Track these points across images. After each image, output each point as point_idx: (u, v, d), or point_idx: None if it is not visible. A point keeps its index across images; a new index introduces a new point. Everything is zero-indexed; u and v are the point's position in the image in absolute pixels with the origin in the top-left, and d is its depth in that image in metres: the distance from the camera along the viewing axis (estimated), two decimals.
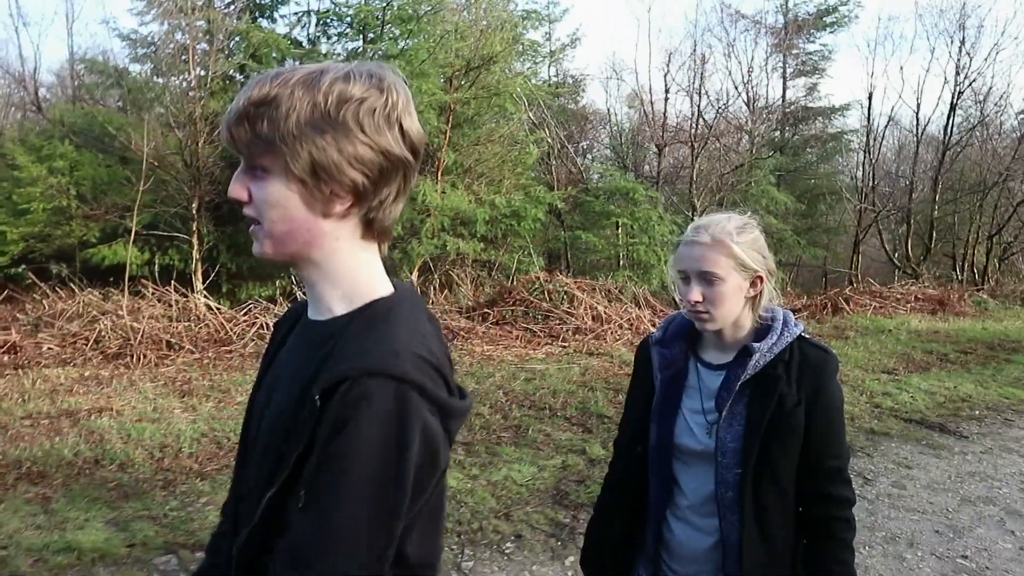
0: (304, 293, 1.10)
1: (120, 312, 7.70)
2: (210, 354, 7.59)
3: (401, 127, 0.96)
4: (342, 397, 0.86)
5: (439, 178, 10.13)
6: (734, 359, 1.61)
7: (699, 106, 14.01)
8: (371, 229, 1.01)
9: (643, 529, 1.72)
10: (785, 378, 1.55)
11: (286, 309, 1.23)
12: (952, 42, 15.98)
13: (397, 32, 9.30)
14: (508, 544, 3.78)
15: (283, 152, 0.92)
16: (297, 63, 10.83)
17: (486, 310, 9.26)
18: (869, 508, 4.49)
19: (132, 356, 7.28)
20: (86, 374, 6.93)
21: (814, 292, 14.22)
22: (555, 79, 16.56)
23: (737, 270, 1.58)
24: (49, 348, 7.33)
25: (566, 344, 8.79)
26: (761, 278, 1.61)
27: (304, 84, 0.92)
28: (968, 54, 15.81)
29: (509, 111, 10.28)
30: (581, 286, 10.04)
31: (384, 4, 9.82)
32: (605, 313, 9.64)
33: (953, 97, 15.76)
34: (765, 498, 1.56)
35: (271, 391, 1.05)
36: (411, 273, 10.30)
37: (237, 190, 0.97)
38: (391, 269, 1.08)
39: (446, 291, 10.30)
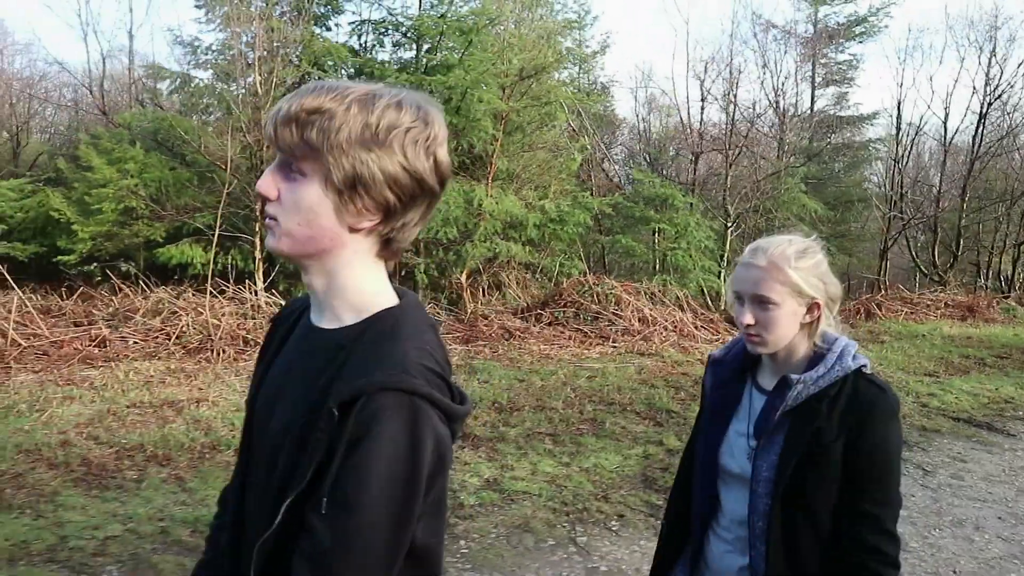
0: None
1: (201, 309, 8.13)
2: None
3: (436, 158, 1.03)
4: (360, 411, 0.91)
5: (490, 183, 10.51)
6: (774, 388, 1.60)
7: (733, 115, 14.34)
8: (388, 248, 1.07)
9: (685, 540, 1.75)
10: (826, 413, 1.50)
11: (283, 304, 1.21)
12: (982, 52, 16.21)
13: (453, 44, 9.68)
14: (613, 522, 4.15)
15: (327, 161, 0.97)
16: (352, 72, 11.23)
17: (539, 311, 9.64)
18: (933, 496, 4.84)
19: (212, 351, 7.70)
20: (172, 367, 7.35)
21: (847, 298, 14.50)
22: (587, 86, 16.92)
23: (792, 295, 1.54)
24: (134, 342, 7.76)
25: (616, 345, 9.16)
26: (819, 304, 1.57)
27: (359, 103, 0.98)
28: (999, 65, 16.09)
29: (559, 119, 10.65)
30: (627, 289, 10.40)
31: (440, 15, 10.22)
32: (651, 315, 9.99)
33: (982, 107, 16.06)
34: (796, 534, 1.51)
35: (278, 392, 1.09)
36: (461, 275, 10.68)
37: (267, 187, 1.01)
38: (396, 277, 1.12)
39: (497, 292, 10.68)
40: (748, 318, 1.56)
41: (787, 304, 1.54)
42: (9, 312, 7.45)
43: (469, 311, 9.69)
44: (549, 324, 9.42)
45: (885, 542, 1.48)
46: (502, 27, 10.26)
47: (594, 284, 10.18)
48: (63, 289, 9.33)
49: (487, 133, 9.76)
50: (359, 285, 1.05)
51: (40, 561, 3.57)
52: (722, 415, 1.68)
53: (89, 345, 7.48)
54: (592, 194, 12.47)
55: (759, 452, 1.56)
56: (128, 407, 6.07)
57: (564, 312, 9.68)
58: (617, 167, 15.54)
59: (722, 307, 11.87)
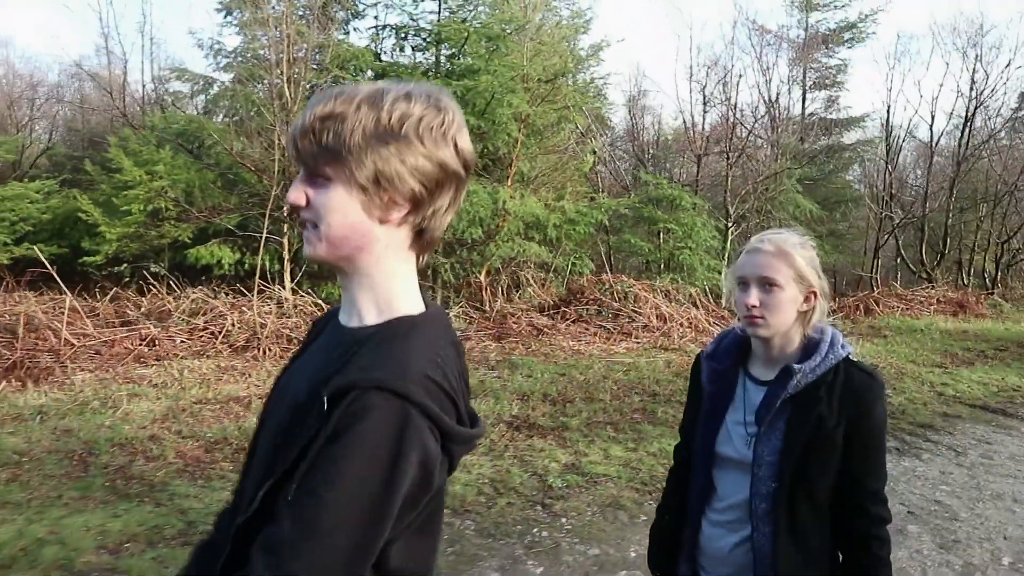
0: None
1: (246, 308, 8.33)
2: None
3: (456, 144, 1.04)
4: (347, 405, 0.90)
5: (509, 185, 10.81)
6: (776, 378, 1.67)
7: (733, 118, 14.81)
8: (421, 238, 1.07)
9: (684, 530, 1.82)
10: (826, 399, 1.60)
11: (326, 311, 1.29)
12: (966, 57, 16.89)
13: (477, 49, 9.98)
14: None
15: (348, 162, 0.99)
16: (372, 76, 11.45)
17: (564, 309, 9.98)
18: (969, 473, 5.26)
19: (259, 349, 7.91)
20: (222, 364, 7.56)
21: (846, 295, 15.05)
22: (587, 89, 17.28)
23: (795, 281, 1.64)
24: (181, 341, 7.94)
25: (639, 340, 9.53)
26: (815, 293, 1.67)
27: (368, 102, 0.99)
28: (984, 70, 16.79)
29: (577, 122, 11.00)
30: (644, 287, 10.78)
31: (463, 19, 10.51)
32: (668, 312, 10.38)
33: (967, 111, 16.73)
34: (799, 512, 1.62)
35: (287, 387, 1.10)
36: (480, 275, 10.97)
37: (296, 196, 1.03)
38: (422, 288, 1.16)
39: (520, 291, 10.99)
40: (754, 299, 1.64)
41: (790, 289, 1.63)
42: (62, 312, 7.59)
43: (495, 309, 9.99)
44: (574, 321, 9.76)
45: (884, 509, 1.64)
46: (524, 33, 10.55)
47: (614, 282, 10.55)
48: (96, 290, 9.43)
49: (511, 136, 10.07)
50: (387, 283, 1.06)
51: (176, 544, 3.82)
52: (718, 406, 1.74)
53: (139, 344, 7.65)
54: (607, 195, 12.81)
55: (760, 438, 1.64)
56: (195, 403, 6.29)
57: (587, 310, 10.02)
58: (623, 168, 15.91)
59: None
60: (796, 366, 1.62)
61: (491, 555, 3.73)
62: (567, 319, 9.81)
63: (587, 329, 9.67)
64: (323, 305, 9.15)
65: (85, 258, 10.53)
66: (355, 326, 1.06)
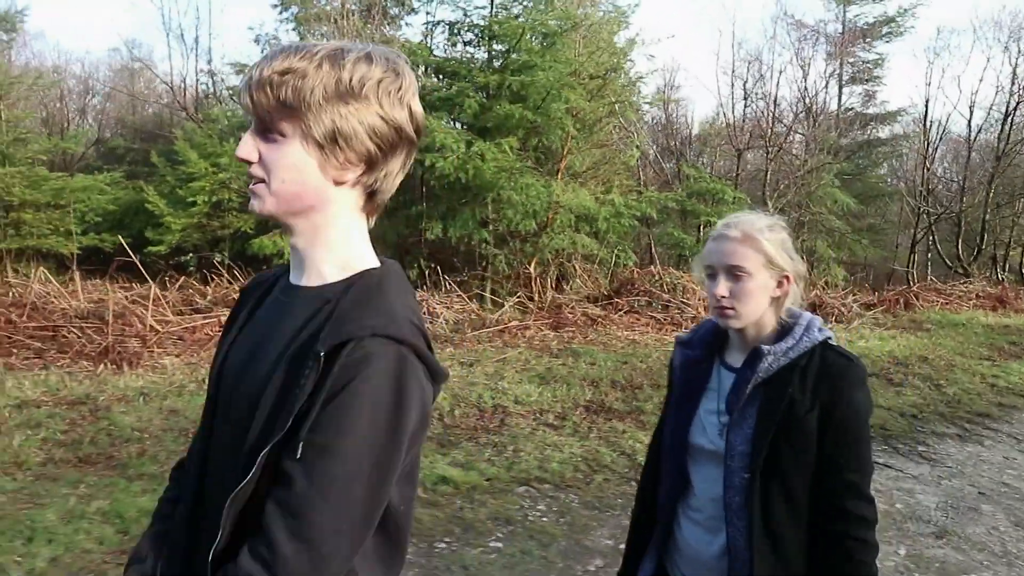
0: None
1: None
2: None
3: (411, 108, 1.04)
4: (348, 356, 0.91)
5: (559, 178, 11.07)
6: (745, 361, 1.60)
7: (772, 112, 14.94)
8: (372, 200, 1.08)
9: (653, 526, 1.74)
10: (798, 384, 1.51)
11: (252, 278, 1.30)
12: (1007, 51, 16.86)
13: (533, 46, 10.22)
14: None
15: (306, 118, 0.98)
16: (424, 68, 11.74)
17: (615, 299, 10.24)
18: None
19: None
20: None
21: (885, 289, 15.18)
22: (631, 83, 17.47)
23: (765, 267, 1.57)
24: None
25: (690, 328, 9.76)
26: (788, 278, 1.60)
27: (329, 60, 0.98)
28: None
29: (628, 117, 11.25)
30: (691, 279, 11.00)
31: (514, 15, 10.76)
32: None
33: (1008, 106, 16.74)
34: (774, 506, 1.51)
35: (252, 353, 1.07)
36: (529, 265, 11.25)
37: (247, 151, 1.01)
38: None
39: (569, 282, 11.27)
40: (722, 289, 1.57)
41: (760, 275, 1.56)
42: (147, 301, 7.96)
43: (548, 300, 10.27)
44: (627, 312, 10.02)
45: (864, 507, 1.50)
46: (577, 30, 10.78)
47: (662, 274, 10.79)
48: (164, 279, 9.82)
49: (563, 131, 10.33)
50: (345, 241, 1.06)
51: None
52: (691, 395, 1.68)
53: (218, 330, 8.00)
54: (649, 189, 13.03)
55: (732, 427, 1.56)
56: None
57: (638, 300, 10.28)
58: (663, 162, 16.11)
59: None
60: (765, 347, 1.55)
61: (600, 525, 4.02)
62: (619, 309, 10.07)
63: (639, 319, 9.93)
64: None
65: (150, 248, 10.93)
66: (316, 284, 1.05)
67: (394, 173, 1.07)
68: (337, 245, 1.06)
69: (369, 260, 1.08)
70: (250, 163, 1.02)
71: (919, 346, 9.70)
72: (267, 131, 1.01)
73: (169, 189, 10.98)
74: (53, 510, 3.98)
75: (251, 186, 1.04)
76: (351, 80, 0.98)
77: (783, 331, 1.60)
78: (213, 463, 1.08)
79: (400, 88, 1.02)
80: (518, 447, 5.11)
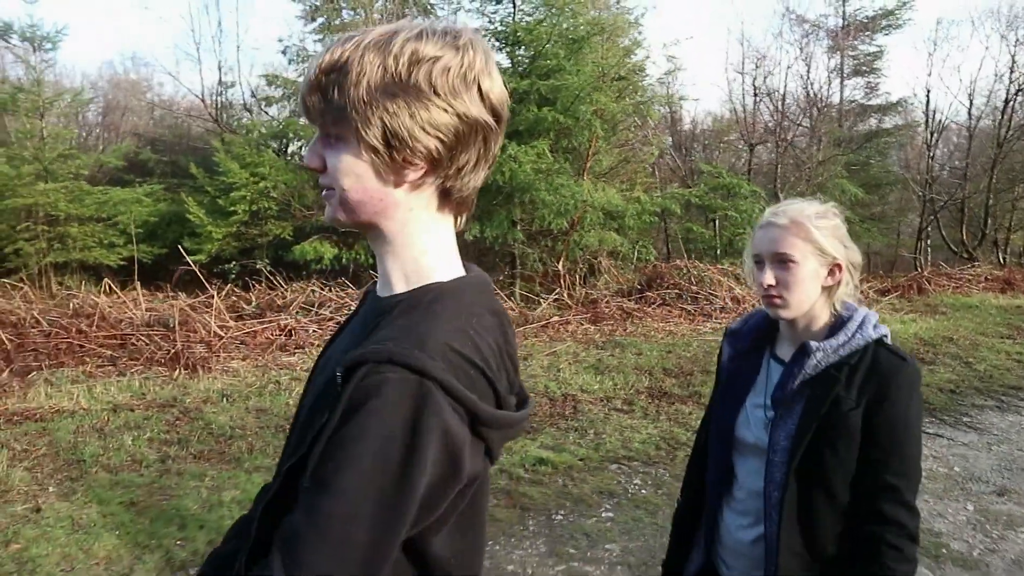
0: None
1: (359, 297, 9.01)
2: None
3: (480, 88, 0.91)
4: (358, 381, 0.81)
5: (585, 176, 11.46)
6: (793, 356, 1.56)
7: (781, 107, 15.36)
8: (448, 199, 0.96)
9: (700, 517, 1.74)
10: (845, 381, 1.47)
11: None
12: (1004, 40, 17.36)
13: (559, 50, 10.60)
14: None
15: (354, 120, 0.88)
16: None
17: (647, 293, 10.62)
18: None
19: None
20: None
21: (897, 275, 15.63)
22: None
23: (814, 254, 1.52)
24: (313, 331, 8.63)
25: (720, 321, 10.16)
26: (840, 266, 1.55)
27: (376, 46, 0.88)
28: None
29: (652, 116, 11.65)
30: (716, 271, 11.40)
31: (538, 21, 11.13)
32: (740, 294, 11.01)
33: (1007, 95, 17.23)
34: (812, 504, 1.49)
35: (325, 363, 1.04)
36: (557, 262, 11.62)
37: (312, 159, 0.94)
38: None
39: (597, 278, 11.64)
40: (769, 278, 1.53)
41: (808, 263, 1.52)
42: (210, 308, 8.29)
43: (581, 295, 10.64)
44: (660, 305, 10.41)
45: (904, 514, 1.44)
46: (604, 34, 11.17)
47: (690, 267, 11.18)
48: (219, 286, 10.13)
49: (591, 132, 10.71)
50: (416, 249, 0.96)
51: None
52: (739, 387, 1.66)
53: (279, 334, 8.34)
54: (665, 185, 13.41)
55: (777, 422, 1.53)
56: None
57: (669, 294, 10.67)
58: (677, 159, 16.53)
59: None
60: (814, 344, 1.51)
61: None
62: (652, 303, 10.45)
63: (671, 311, 10.31)
64: None
65: (190, 257, 11.24)
66: (384, 295, 0.98)
67: (471, 166, 0.94)
68: (404, 253, 0.96)
69: (442, 270, 0.97)
70: (318, 172, 0.95)
71: (941, 328, 10.12)
72: (327, 136, 0.93)
73: (209, 199, 11.30)
74: (190, 500, 4.33)
75: (323, 195, 0.97)
76: (398, 66, 0.87)
77: (836, 326, 1.55)
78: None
79: (463, 66, 0.89)
80: (598, 431, 5.48)
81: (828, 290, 1.56)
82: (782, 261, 1.53)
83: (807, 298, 1.54)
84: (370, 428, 0.80)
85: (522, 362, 7.57)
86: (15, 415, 5.82)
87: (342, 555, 0.80)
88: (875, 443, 1.45)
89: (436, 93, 0.88)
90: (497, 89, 0.93)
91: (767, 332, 1.68)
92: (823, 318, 1.57)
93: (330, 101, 0.89)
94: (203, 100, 12.21)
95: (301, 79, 0.93)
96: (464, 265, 1.02)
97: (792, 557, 1.49)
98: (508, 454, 4.98)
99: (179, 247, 9.73)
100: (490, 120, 0.93)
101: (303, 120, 1.26)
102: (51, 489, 4.43)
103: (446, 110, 0.89)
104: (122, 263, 11.35)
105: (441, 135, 0.90)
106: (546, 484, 4.51)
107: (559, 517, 4.06)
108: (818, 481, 1.48)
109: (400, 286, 0.96)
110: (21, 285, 10.02)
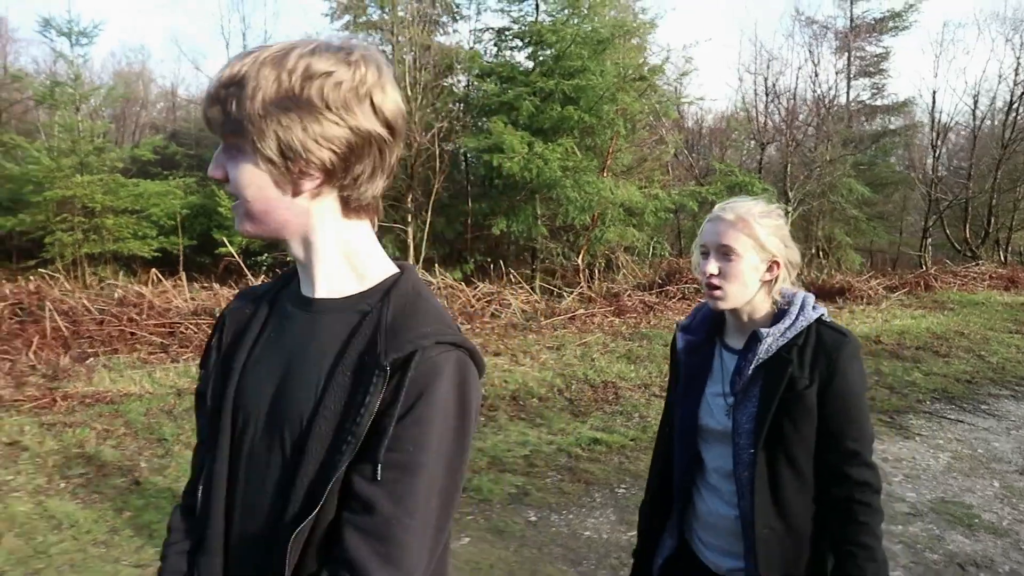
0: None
1: None
2: (474, 326, 9.24)
3: (372, 101, 0.93)
4: (416, 368, 0.88)
5: (605, 174, 11.79)
6: (745, 344, 1.66)
7: (792, 107, 15.70)
8: (349, 207, 0.98)
9: (671, 504, 1.80)
10: (796, 361, 1.58)
11: (237, 296, 1.17)
12: (1007, 43, 17.75)
13: (583, 52, 10.93)
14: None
15: (251, 132, 0.90)
16: (478, 73, 12.39)
17: (666, 287, 10.97)
18: None
19: None
20: None
21: (903, 272, 16.02)
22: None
23: (755, 250, 1.61)
24: None
25: None
26: (778, 263, 1.64)
27: (272, 62, 0.90)
28: None
29: (670, 116, 11.99)
30: None
31: (563, 21, 11.44)
32: None
33: (1012, 96, 17.62)
34: (779, 479, 1.59)
35: (286, 371, 0.99)
36: (579, 258, 11.97)
37: (215, 170, 0.96)
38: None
39: (615, 272, 11.98)
40: (712, 267, 1.63)
41: (749, 257, 1.61)
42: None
43: (604, 289, 10.99)
44: (679, 299, 10.76)
45: (869, 473, 1.57)
46: (628, 36, 11.50)
47: None
48: (238, 278, 10.43)
49: (613, 130, 11.04)
50: (339, 249, 1.00)
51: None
52: (697, 379, 1.74)
53: None
54: (680, 183, 13.76)
55: (736, 407, 1.63)
56: None
57: (687, 288, 11.02)
58: (689, 157, 16.87)
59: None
60: (763, 330, 1.61)
61: None
62: (671, 296, 10.80)
63: (691, 306, 10.66)
64: (454, 284, 10.17)
65: (220, 249, 11.53)
66: (336, 296, 1.00)
67: (367, 175, 0.96)
68: (332, 254, 0.99)
69: (385, 265, 1.03)
70: (222, 182, 0.97)
71: (952, 323, 10.49)
72: (229, 148, 0.95)
73: None
74: None
75: (232, 206, 0.99)
76: (291, 80, 0.89)
77: (779, 313, 1.65)
78: (246, 498, 1.00)
79: (355, 81, 0.91)
80: (642, 414, 5.83)
81: (767, 284, 1.66)
82: (725, 253, 1.62)
83: (744, 290, 1.63)
84: (435, 404, 0.88)
85: (556, 351, 7.91)
86: (86, 397, 6.14)
87: (428, 524, 0.87)
88: (832, 416, 1.57)
89: (328, 107, 0.90)
90: (390, 103, 0.95)
91: (716, 324, 1.76)
92: (764, 309, 1.67)
93: (228, 114, 0.91)
94: None
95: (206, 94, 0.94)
96: (392, 258, 1.07)
97: (768, 531, 1.59)
98: (563, 435, 5.33)
99: (223, 240, 10.00)
100: (383, 132, 0.95)
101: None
102: (143, 464, 4.75)
103: (338, 123, 0.91)
104: (156, 254, 11.63)
105: (334, 147, 0.92)
106: (603, 462, 4.85)
107: (621, 490, 4.40)
108: (783, 457, 1.59)
109: (352, 285, 1.00)
110: (57, 275, 10.31)
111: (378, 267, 1.02)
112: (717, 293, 1.63)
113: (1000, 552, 3.77)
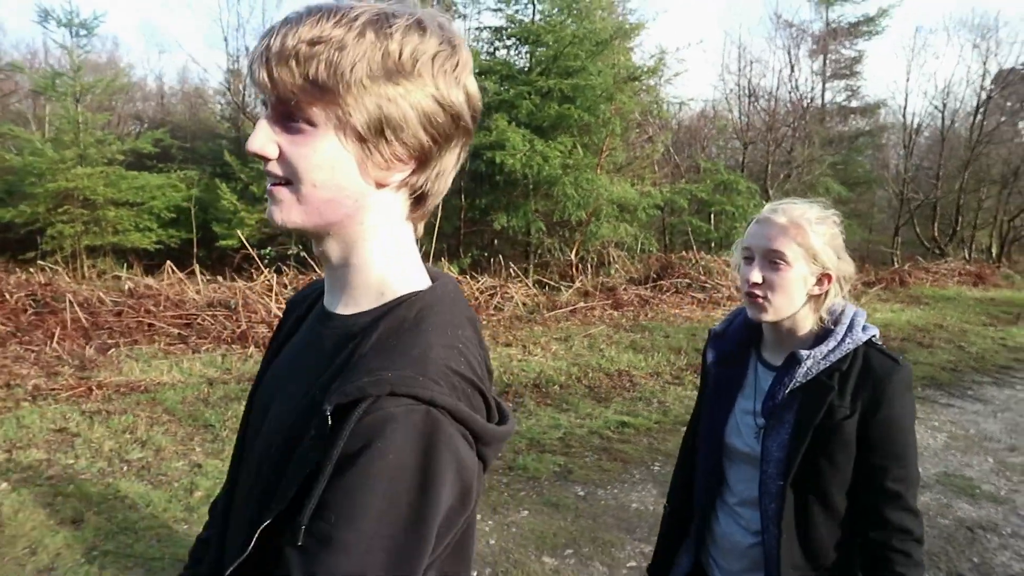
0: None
1: None
2: (480, 318, 9.55)
3: (467, 89, 0.84)
4: (359, 420, 0.71)
5: (599, 171, 12.17)
6: (782, 365, 1.51)
7: (773, 108, 16.25)
8: (420, 206, 0.88)
9: (690, 520, 1.70)
10: (838, 388, 1.44)
11: (305, 285, 1.08)
12: (975, 48, 18.58)
13: (580, 52, 11.26)
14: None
15: (345, 103, 0.77)
16: (476, 72, 12.59)
17: (659, 282, 11.39)
18: None
19: None
20: None
21: (881, 268, 16.71)
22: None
23: (806, 260, 1.47)
24: None
25: (727, 308, 10.98)
26: (829, 276, 1.49)
27: (374, 27, 0.78)
28: (997, 62, 18.48)
29: (664, 116, 12.41)
30: (720, 262, 12.22)
31: (560, 21, 11.77)
32: None
33: (979, 99, 18.44)
34: (809, 516, 1.47)
35: (278, 387, 0.90)
36: (571, 252, 12.33)
37: (265, 144, 0.80)
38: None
39: (605, 268, 12.38)
40: (756, 275, 1.49)
41: (799, 267, 1.47)
42: (270, 292, 8.78)
43: (596, 283, 11.36)
44: (673, 293, 11.18)
45: (909, 519, 1.43)
46: (625, 37, 11.88)
47: (697, 258, 11.99)
48: (250, 271, 10.58)
49: (609, 129, 11.42)
50: (383, 258, 0.86)
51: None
52: (727, 392, 1.62)
53: None
54: (673, 181, 14.21)
55: (768, 432, 1.50)
56: None
57: (680, 283, 11.45)
58: (677, 156, 17.35)
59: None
60: (804, 352, 1.46)
61: None
62: (665, 291, 11.22)
63: (683, 299, 11.10)
64: (459, 278, 10.46)
65: (221, 242, 11.65)
66: (349, 313, 0.87)
67: (447, 171, 0.88)
68: (374, 263, 0.86)
69: (414, 281, 0.88)
70: (267, 160, 0.81)
71: (930, 316, 11.09)
72: (290, 118, 0.80)
73: (242, 186, 11.71)
74: None
75: (270, 187, 0.83)
76: (401, 54, 0.79)
77: (823, 332, 1.50)
78: (234, 510, 0.93)
79: (457, 65, 0.83)
80: (660, 400, 6.20)
81: (814, 299, 1.51)
82: (773, 260, 1.48)
83: (790, 304, 1.49)
84: (378, 473, 0.70)
85: (564, 342, 8.26)
86: (120, 386, 6.31)
87: None
88: (873, 450, 1.43)
89: (437, 86, 0.81)
90: (477, 93, 0.87)
91: (753, 333, 1.64)
92: (808, 324, 1.53)
93: (312, 78, 0.77)
94: (228, 86, 12.57)
95: (259, 45, 0.79)
96: (429, 271, 0.92)
97: (793, 570, 1.47)
98: (591, 419, 5.67)
99: (222, 233, 10.14)
100: (471, 124, 0.86)
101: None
102: (197, 450, 4.97)
103: (443, 105, 0.82)
104: (157, 247, 11.70)
105: (435, 131, 0.82)
106: (634, 443, 5.20)
107: (657, 467, 4.76)
108: (815, 492, 1.46)
109: (368, 300, 0.86)
110: (57, 267, 10.34)
111: (405, 283, 0.87)
112: (760, 302, 1.50)
113: (1001, 517, 4.21)
